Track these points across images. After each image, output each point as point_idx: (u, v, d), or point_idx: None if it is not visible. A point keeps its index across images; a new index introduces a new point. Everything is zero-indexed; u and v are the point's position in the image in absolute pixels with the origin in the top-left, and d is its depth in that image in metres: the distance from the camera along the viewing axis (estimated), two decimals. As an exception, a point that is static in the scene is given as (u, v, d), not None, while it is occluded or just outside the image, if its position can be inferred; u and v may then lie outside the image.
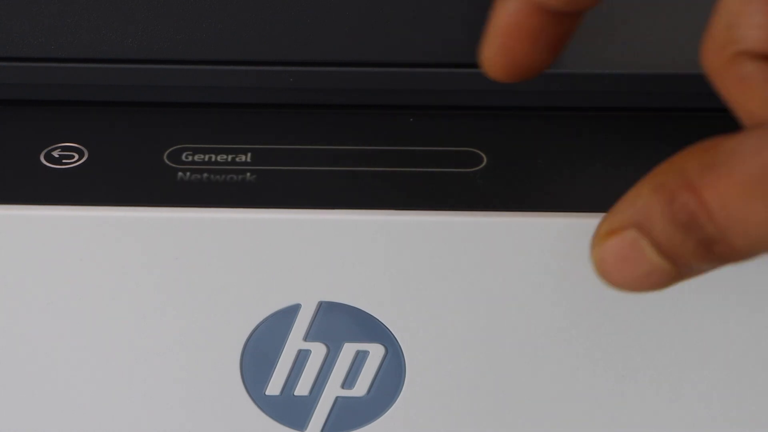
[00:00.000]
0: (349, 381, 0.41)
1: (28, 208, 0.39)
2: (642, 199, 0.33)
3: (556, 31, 0.35)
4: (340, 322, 0.40)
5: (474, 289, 0.39)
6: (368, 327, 0.40)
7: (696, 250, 0.32)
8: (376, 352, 0.41)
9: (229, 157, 0.41)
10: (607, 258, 0.34)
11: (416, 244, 0.39)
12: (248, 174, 0.40)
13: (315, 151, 0.41)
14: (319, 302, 0.40)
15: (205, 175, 0.40)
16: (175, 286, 0.40)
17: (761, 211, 0.31)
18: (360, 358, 0.41)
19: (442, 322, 0.40)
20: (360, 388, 0.41)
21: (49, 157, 0.41)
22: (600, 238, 0.34)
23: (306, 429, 0.42)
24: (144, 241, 0.39)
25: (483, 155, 0.41)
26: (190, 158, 0.41)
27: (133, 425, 0.42)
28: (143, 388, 0.41)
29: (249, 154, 0.41)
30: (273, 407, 0.42)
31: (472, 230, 0.39)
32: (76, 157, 0.41)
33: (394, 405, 0.41)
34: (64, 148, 0.41)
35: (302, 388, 0.41)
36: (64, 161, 0.40)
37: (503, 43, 0.35)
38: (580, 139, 0.42)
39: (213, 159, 0.41)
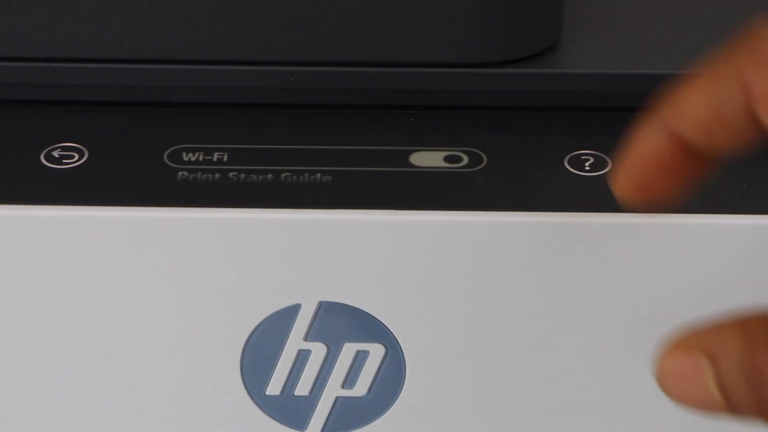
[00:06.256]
0: (349, 381, 0.41)
1: (28, 208, 0.39)
2: (727, 336, 0.32)
3: (694, 168, 0.34)
4: (340, 322, 0.40)
5: (474, 288, 0.39)
6: (368, 327, 0.40)
7: (753, 405, 0.32)
8: (376, 352, 0.41)
9: (229, 157, 0.41)
10: (671, 371, 0.34)
11: (416, 244, 0.39)
12: (248, 174, 0.40)
13: (315, 151, 0.41)
14: (319, 302, 0.40)
15: (206, 175, 0.40)
16: (176, 286, 0.40)
17: None
18: (360, 358, 0.41)
19: (442, 322, 0.40)
20: (360, 388, 0.41)
21: (49, 157, 0.41)
22: (672, 348, 0.34)
23: (306, 429, 0.42)
24: (144, 241, 0.39)
25: (483, 155, 0.41)
26: (190, 158, 0.41)
27: (133, 425, 0.42)
28: (143, 387, 0.41)
29: (249, 155, 0.41)
30: (273, 407, 0.42)
31: (472, 230, 0.39)
32: (76, 157, 0.41)
33: (394, 405, 0.41)
34: (64, 148, 0.41)
35: (302, 388, 0.41)
36: (64, 161, 0.40)
37: (641, 170, 0.34)
38: (580, 139, 0.42)
39: (213, 159, 0.41)
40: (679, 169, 0.34)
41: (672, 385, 0.34)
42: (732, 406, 0.33)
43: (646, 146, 0.34)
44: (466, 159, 0.41)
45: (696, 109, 0.33)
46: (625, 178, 0.34)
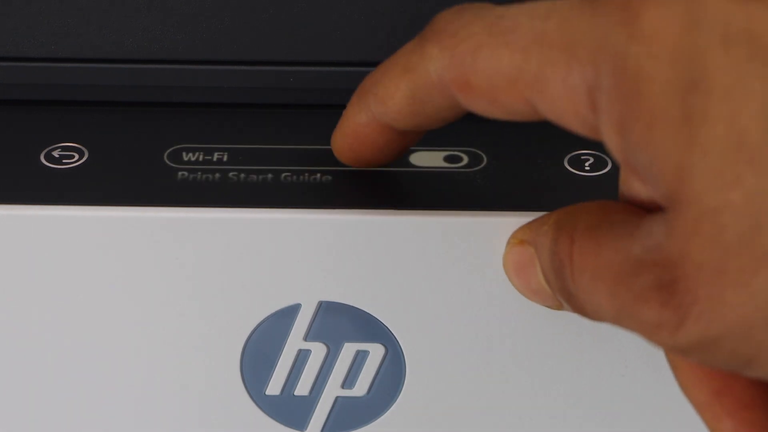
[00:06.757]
0: (349, 381, 0.41)
1: (28, 208, 0.39)
2: (545, 227, 0.35)
3: (400, 143, 0.38)
4: (340, 322, 0.40)
5: (474, 288, 0.39)
6: (368, 327, 0.40)
7: (560, 292, 0.34)
8: (376, 352, 0.41)
9: (229, 157, 0.41)
10: (510, 261, 0.37)
11: (416, 244, 0.39)
12: (248, 174, 0.40)
13: (315, 151, 0.41)
14: (319, 302, 0.40)
15: (206, 175, 0.40)
16: (176, 286, 0.40)
17: (601, 295, 0.32)
18: (360, 358, 0.41)
19: (442, 322, 0.40)
20: (360, 388, 0.41)
21: (49, 157, 0.41)
22: (511, 240, 0.37)
23: (306, 429, 0.42)
24: (144, 241, 0.39)
25: (483, 155, 0.41)
26: (190, 158, 0.41)
27: (133, 425, 0.42)
28: (143, 387, 0.41)
29: (249, 155, 0.41)
30: (273, 407, 0.42)
31: (472, 230, 0.39)
32: (76, 157, 0.41)
33: (394, 405, 0.41)
34: (64, 148, 0.41)
35: (302, 388, 0.41)
36: (64, 161, 0.41)
37: (350, 144, 0.38)
38: (580, 139, 0.42)
39: (213, 159, 0.41)
40: (382, 144, 0.38)
41: (513, 275, 0.37)
42: (555, 294, 0.35)
43: (353, 123, 0.37)
44: (466, 159, 0.41)
45: (397, 102, 0.36)
46: (337, 144, 0.38)
